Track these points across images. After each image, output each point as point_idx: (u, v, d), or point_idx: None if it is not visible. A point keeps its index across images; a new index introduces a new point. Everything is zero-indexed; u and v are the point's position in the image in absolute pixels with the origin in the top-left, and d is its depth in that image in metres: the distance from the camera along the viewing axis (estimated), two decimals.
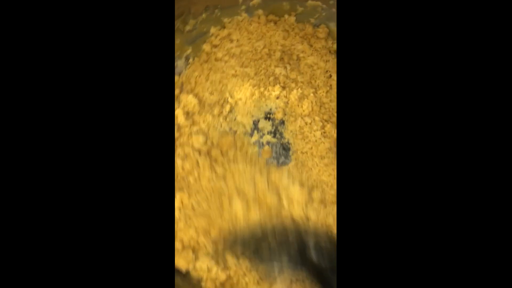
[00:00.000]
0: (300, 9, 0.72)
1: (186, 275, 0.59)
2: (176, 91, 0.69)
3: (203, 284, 0.59)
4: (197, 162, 0.63)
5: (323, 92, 0.69)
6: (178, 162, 0.64)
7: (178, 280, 0.58)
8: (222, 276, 0.58)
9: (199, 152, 0.64)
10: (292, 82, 0.69)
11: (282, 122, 0.67)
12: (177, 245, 0.60)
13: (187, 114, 0.67)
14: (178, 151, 0.65)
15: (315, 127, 0.67)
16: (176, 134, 0.65)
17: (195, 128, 0.66)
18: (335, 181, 0.64)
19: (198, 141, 0.65)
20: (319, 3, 0.71)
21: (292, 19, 0.72)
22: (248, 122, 0.67)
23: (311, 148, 0.66)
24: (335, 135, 0.67)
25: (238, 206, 0.61)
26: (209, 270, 0.59)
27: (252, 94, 0.68)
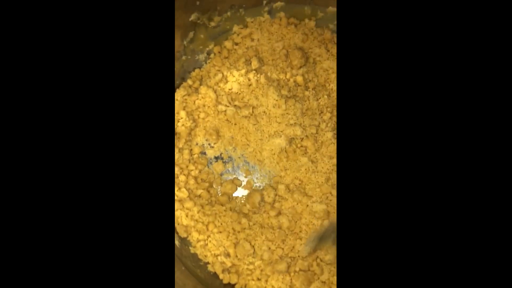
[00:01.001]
0: (320, 14, 0.74)
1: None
2: (196, 84, 0.72)
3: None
4: None
5: (336, 95, 0.72)
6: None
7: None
8: None
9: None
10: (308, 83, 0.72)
11: None
12: None
13: (204, 106, 0.70)
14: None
15: (326, 129, 0.69)
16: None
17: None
18: None
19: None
20: None
21: (312, 23, 0.75)
22: None
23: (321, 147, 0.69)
24: None
25: None
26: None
27: None
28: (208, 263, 0.62)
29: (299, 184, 0.67)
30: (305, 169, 0.67)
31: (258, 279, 0.60)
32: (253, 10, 0.73)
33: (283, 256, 0.61)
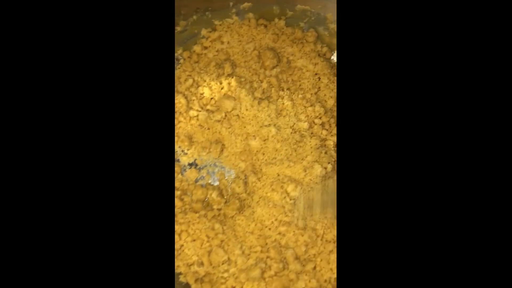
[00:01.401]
0: (289, 13, 0.73)
1: None
2: None
3: None
4: None
5: (312, 93, 0.70)
6: None
7: None
8: None
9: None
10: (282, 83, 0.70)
11: None
12: None
13: (175, 113, 0.68)
14: None
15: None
16: None
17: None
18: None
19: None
20: (308, 7, 0.72)
21: (282, 23, 0.73)
22: None
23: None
24: (322, 135, 0.68)
25: None
26: None
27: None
28: (180, 273, 0.59)
29: (277, 176, 0.65)
30: (280, 163, 0.66)
31: (233, 287, 0.57)
32: (220, 13, 0.72)
33: (258, 261, 0.58)
